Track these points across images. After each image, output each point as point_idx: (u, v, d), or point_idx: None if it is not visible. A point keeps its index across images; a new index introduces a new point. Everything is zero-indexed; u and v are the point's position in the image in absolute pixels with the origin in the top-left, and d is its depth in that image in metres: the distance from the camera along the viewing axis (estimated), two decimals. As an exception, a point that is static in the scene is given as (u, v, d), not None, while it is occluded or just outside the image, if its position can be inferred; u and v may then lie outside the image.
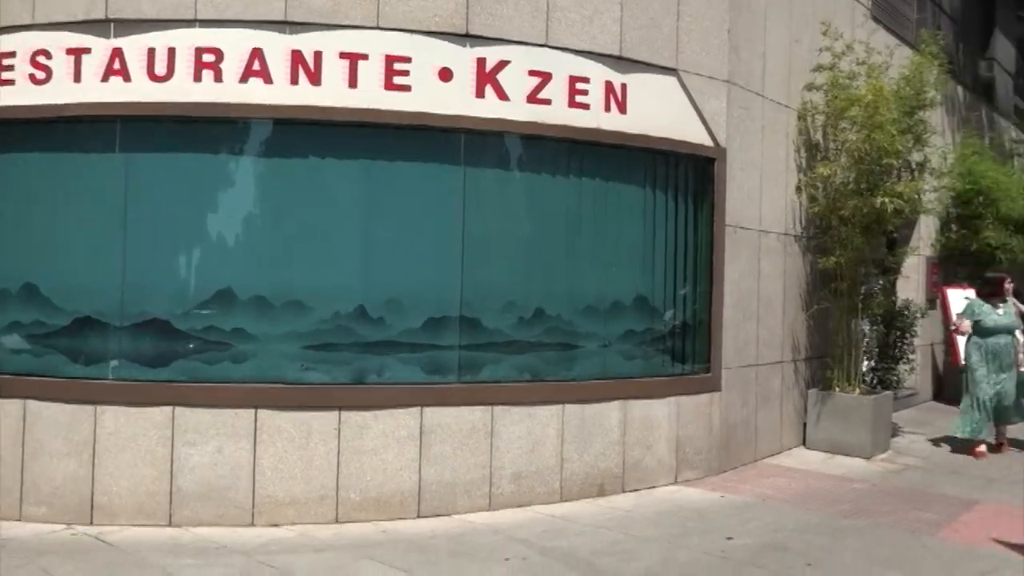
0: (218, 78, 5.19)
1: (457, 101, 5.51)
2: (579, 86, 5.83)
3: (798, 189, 7.55)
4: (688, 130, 6.38)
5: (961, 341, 10.31)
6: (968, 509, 5.78)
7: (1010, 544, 4.95)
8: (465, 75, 5.53)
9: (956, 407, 10.07)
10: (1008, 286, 7.95)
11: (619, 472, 6.02)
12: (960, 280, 10.86)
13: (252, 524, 5.12)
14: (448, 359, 5.57)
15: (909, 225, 10.50)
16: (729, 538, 5.02)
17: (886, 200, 6.90)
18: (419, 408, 5.42)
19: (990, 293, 7.78)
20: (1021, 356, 7.64)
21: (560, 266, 5.92)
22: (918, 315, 8.28)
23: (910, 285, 10.52)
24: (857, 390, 7.47)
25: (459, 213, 5.59)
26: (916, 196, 7.38)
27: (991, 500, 6.01)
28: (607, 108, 5.95)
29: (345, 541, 4.89)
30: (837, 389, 7.53)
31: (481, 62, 5.56)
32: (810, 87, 7.52)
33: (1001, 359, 7.48)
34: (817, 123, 7.67)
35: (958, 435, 7.65)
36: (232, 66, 5.19)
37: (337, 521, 5.25)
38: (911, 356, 8.37)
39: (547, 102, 5.73)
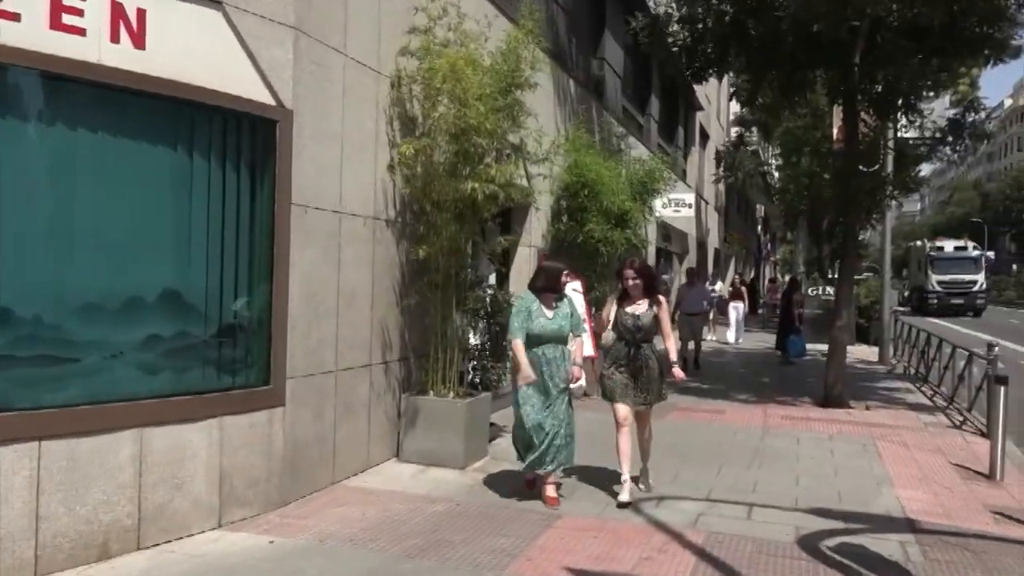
0: None
1: None
2: (68, 2, 4.24)
3: (391, 168, 6.64)
4: (240, 83, 5.08)
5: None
6: (549, 526, 5.24)
7: (579, 572, 4.41)
8: None
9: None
10: (567, 280, 6.49)
11: (133, 524, 4.56)
12: (569, 271, 10.92)
13: None
14: None
15: (520, 215, 10.29)
16: (255, 609, 3.85)
17: (476, 185, 6.23)
18: None
19: (544, 287, 5.83)
20: (575, 370, 5.85)
21: (42, 249, 4.28)
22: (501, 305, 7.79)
23: (523, 278, 10.32)
24: (452, 393, 6.78)
25: None
26: (512, 182, 6.84)
27: (573, 513, 5.56)
28: (114, 38, 4.42)
29: None
30: (432, 392, 6.78)
31: None
32: (404, 52, 6.63)
33: (553, 376, 5.73)
34: (414, 93, 6.82)
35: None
36: None
37: None
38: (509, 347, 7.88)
39: (13, 17, 4.05)
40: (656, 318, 5.98)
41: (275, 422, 5.35)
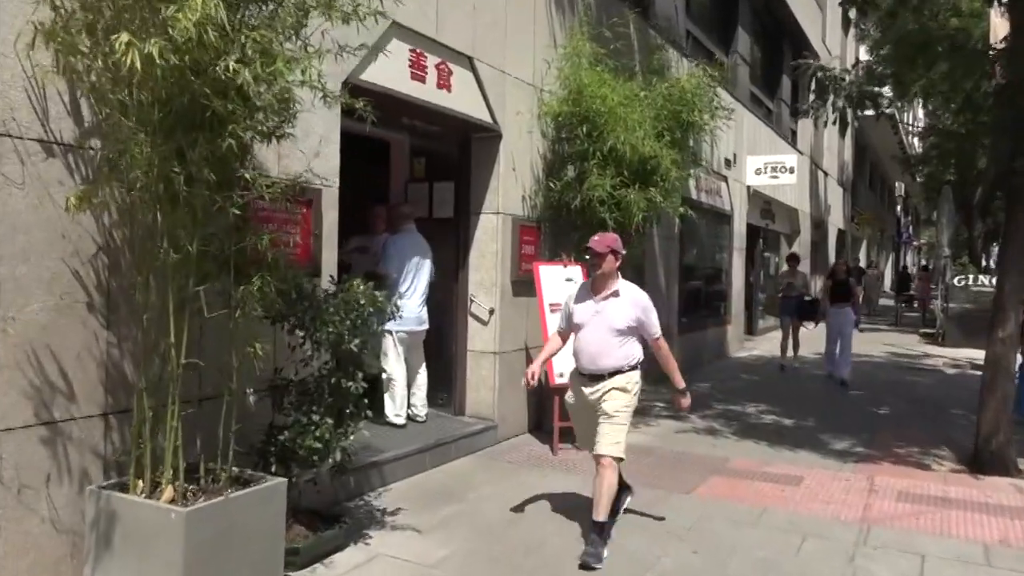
0: None
1: None
2: None
3: (55, 32, 3.27)
4: None
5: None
6: None
7: None
8: None
9: (554, 444, 6.64)
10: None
11: None
12: (567, 253, 7.30)
13: None
14: None
15: (484, 163, 6.77)
16: None
17: (137, 45, 2.76)
18: None
19: None
20: None
21: None
22: (326, 308, 4.12)
23: (488, 262, 6.81)
24: (169, 489, 3.37)
25: None
26: (263, 47, 3.27)
27: None
28: None
29: None
30: (141, 485, 3.42)
31: None
32: None
33: None
34: None
35: None
36: None
37: None
38: (359, 385, 4.23)
39: None
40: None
41: None
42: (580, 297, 4.59)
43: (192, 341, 3.50)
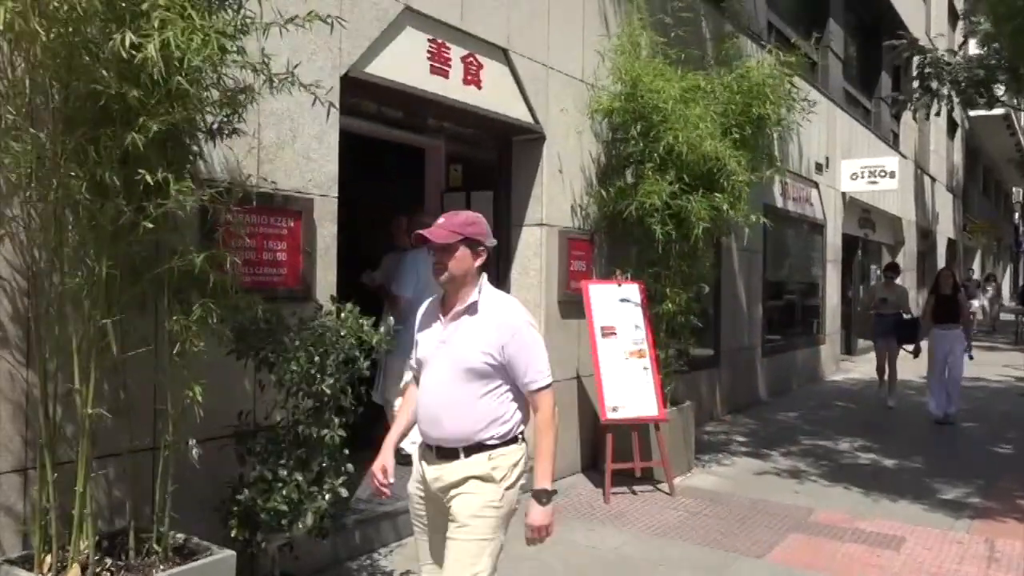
0: None
1: None
2: None
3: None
4: None
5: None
6: None
7: None
8: None
9: (607, 491, 5.77)
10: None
11: None
12: (621, 269, 6.44)
13: None
14: None
15: (526, 167, 6.03)
16: None
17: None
18: None
19: None
20: None
21: None
22: (291, 342, 3.30)
23: (531, 282, 6.05)
24: (74, 568, 2.73)
25: None
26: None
27: None
28: None
29: None
30: (48, 562, 2.79)
31: None
32: None
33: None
34: None
35: None
36: None
37: None
38: (335, 434, 3.43)
39: None
40: None
41: None
42: (426, 318, 2.83)
43: (139, 382, 2.89)
